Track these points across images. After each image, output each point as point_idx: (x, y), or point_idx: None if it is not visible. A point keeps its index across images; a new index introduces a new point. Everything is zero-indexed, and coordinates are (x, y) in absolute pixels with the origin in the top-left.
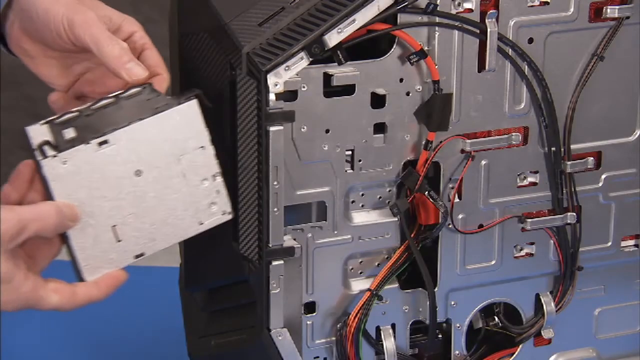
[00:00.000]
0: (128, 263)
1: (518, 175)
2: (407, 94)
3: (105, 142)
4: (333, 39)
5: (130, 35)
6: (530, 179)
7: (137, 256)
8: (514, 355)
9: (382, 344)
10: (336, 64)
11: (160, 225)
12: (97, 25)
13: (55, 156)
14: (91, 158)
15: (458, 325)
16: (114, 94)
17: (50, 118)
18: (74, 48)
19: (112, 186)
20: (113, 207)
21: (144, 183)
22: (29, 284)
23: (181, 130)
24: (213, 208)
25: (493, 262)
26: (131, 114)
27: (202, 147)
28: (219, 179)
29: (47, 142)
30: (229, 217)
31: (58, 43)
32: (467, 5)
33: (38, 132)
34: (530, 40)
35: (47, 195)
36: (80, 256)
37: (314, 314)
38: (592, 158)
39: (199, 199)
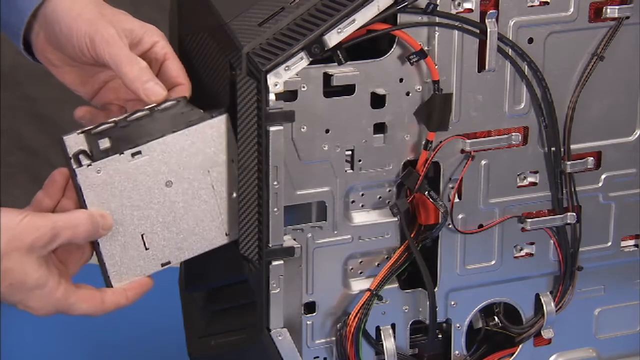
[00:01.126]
0: (155, 271)
1: (518, 175)
2: (407, 94)
3: (138, 152)
4: (333, 39)
5: (152, 46)
6: (530, 179)
7: (164, 264)
8: (514, 355)
9: (382, 344)
10: (336, 64)
11: (188, 235)
12: (117, 44)
13: (89, 165)
14: (124, 168)
15: (458, 325)
16: (148, 107)
17: (87, 128)
18: (95, 63)
19: (143, 196)
20: (143, 216)
21: (173, 193)
22: (61, 290)
23: (212, 144)
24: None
25: (493, 262)
26: (165, 127)
27: (231, 160)
28: None
29: (82, 151)
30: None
31: (80, 57)
32: (467, 5)
33: (74, 141)
34: (530, 40)
35: (80, 203)
36: (109, 262)
37: (314, 314)
38: (592, 158)
39: (226, 210)
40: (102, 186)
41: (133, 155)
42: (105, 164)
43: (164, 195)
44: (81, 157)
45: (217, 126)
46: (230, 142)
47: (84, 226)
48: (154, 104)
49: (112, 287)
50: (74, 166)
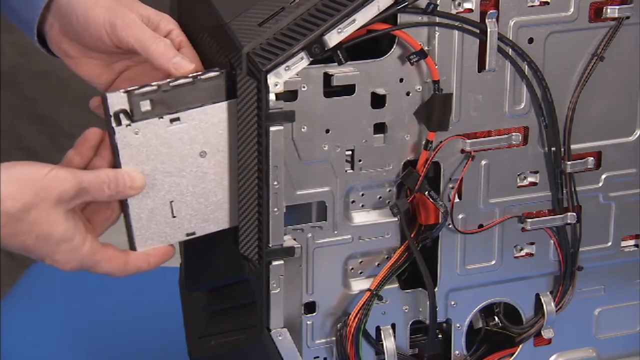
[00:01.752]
0: (179, 240)
1: (518, 175)
2: (407, 94)
3: (177, 119)
4: (333, 39)
5: (168, 33)
6: (530, 179)
7: (189, 234)
8: (514, 355)
9: (382, 344)
10: (336, 64)
11: (215, 208)
12: (140, 26)
13: (128, 125)
14: (162, 132)
15: (458, 325)
16: (193, 74)
17: (130, 88)
18: (115, 50)
19: (177, 163)
20: (174, 183)
21: (206, 164)
22: (87, 246)
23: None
24: None
25: (493, 262)
26: (205, 97)
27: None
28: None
29: (123, 111)
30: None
31: (99, 45)
32: (467, 5)
33: (116, 100)
34: (531, 40)
35: (114, 162)
36: (135, 225)
37: (314, 314)
38: (592, 158)
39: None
40: (139, 148)
41: (172, 120)
42: (144, 126)
43: (197, 165)
44: (121, 116)
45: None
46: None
47: (111, 184)
48: (199, 72)
49: (136, 250)
50: (114, 124)
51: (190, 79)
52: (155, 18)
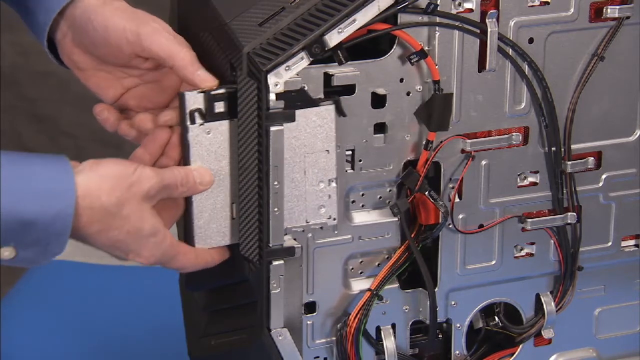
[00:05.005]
0: (235, 242)
1: (518, 175)
2: (408, 94)
3: None
4: (333, 38)
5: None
6: (531, 179)
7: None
8: (514, 355)
9: (383, 344)
10: (336, 64)
11: None
12: (165, 35)
13: (202, 124)
14: (233, 134)
15: (458, 325)
16: None
17: (207, 88)
18: (131, 61)
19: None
20: (237, 185)
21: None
22: (169, 239)
23: (314, 131)
24: (321, 210)
25: (493, 262)
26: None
27: (327, 150)
28: (334, 185)
29: (198, 110)
30: (334, 222)
31: (116, 55)
32: (467, 5)
33: (192, 99)
34: (531, 40)
35: (184, 159)
36: (196, 223)
37: (314, 313)
38: (592, 158)
39: (311, 198)
40: (209, 147)
41: None
42: (217, 126)
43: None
44: (196, 115)
45: (322, 115)
46: (330, 133)
47: (182, 180)
48: None
49: (194, 247)
50: (188, 122)
51: None
52: (172, 32)
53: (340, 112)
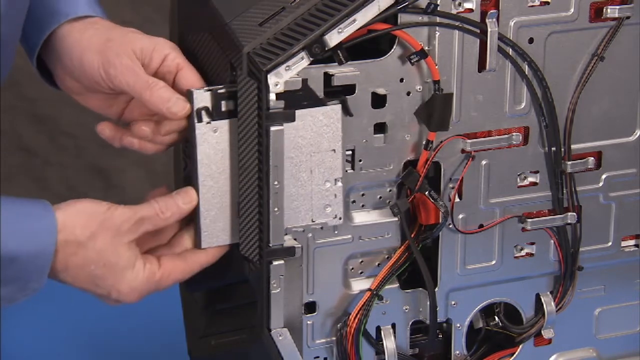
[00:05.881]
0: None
1: (518, 175)
2: (408, 93)
3: None
4: (333, 38)
5: (164, 59)
6: (531, 179)
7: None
8: (514, 355)
9: (383, 344)
10: (336, 63)
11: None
12: (132, 71)
13: (209, 122)
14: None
15: (458, 325)
16: None
17: (215, 87)
18: (113, 92)
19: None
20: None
21: None
22: (143, 272)
23: (320, 130)
24: (327, 209)
25: (493, 262)
26: (285, 103)
27: (333, 150)
28: (339, 185)
29: (205, 108)
30: (339, 222)
31: (96, 88)
32: (467, 5)
33: (200, 97)
34: (531, 40)
35: (192, 157)
36: (203, 222)
37: (315, 313)
38: (592, 158)
39: (317, 197)
40: (215, 145)
41: None
42: (223, 125)
43: None
44: (203, 113)
45: (328, 114)
46: (336, 133)
47: (162, 209)
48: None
49: (201, 247)
50: (195, 120)
51: None
52: (149, 48)
53: (346, 111)
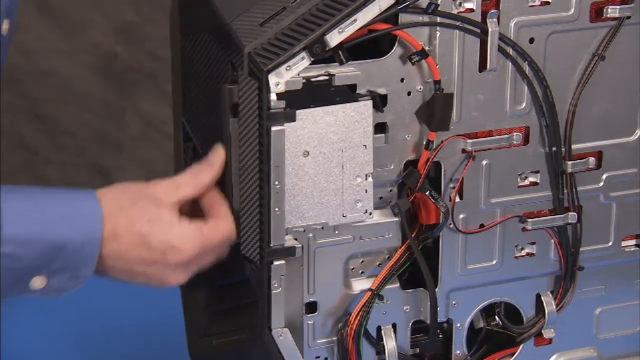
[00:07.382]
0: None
1: (519, 175)
2: (408, 93)
3: None
4: (334, 38)
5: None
6: (531, 179)
7: (286, 229)
8: (515, 355)
9: (383, 344)
10: (337, 63)
11: (310, 206)
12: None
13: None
14: None
15: (459, 325)
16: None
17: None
18: None
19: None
20: None
21: (307, 164)
22: (192, 224)
23: (351, 126)
24: (358, 205)
25: (494, 262)
26: (316, 98)
27: (364, 145)
28: (370, 180)
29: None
30: (370, 217)
31: None
32: (468, 5)
33: (235, 93)
34: (531, 40)
35: (227, 152)
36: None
37: (315, 313)
38: (592, 158)
39: (348, 192)
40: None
41: None
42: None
43: (298, 165)
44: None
45: (360, 110)
46: (367, 128)
47: (199, 169)
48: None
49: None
50: (229, 116)
51: (304, 80)
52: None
53: (377, 107)
